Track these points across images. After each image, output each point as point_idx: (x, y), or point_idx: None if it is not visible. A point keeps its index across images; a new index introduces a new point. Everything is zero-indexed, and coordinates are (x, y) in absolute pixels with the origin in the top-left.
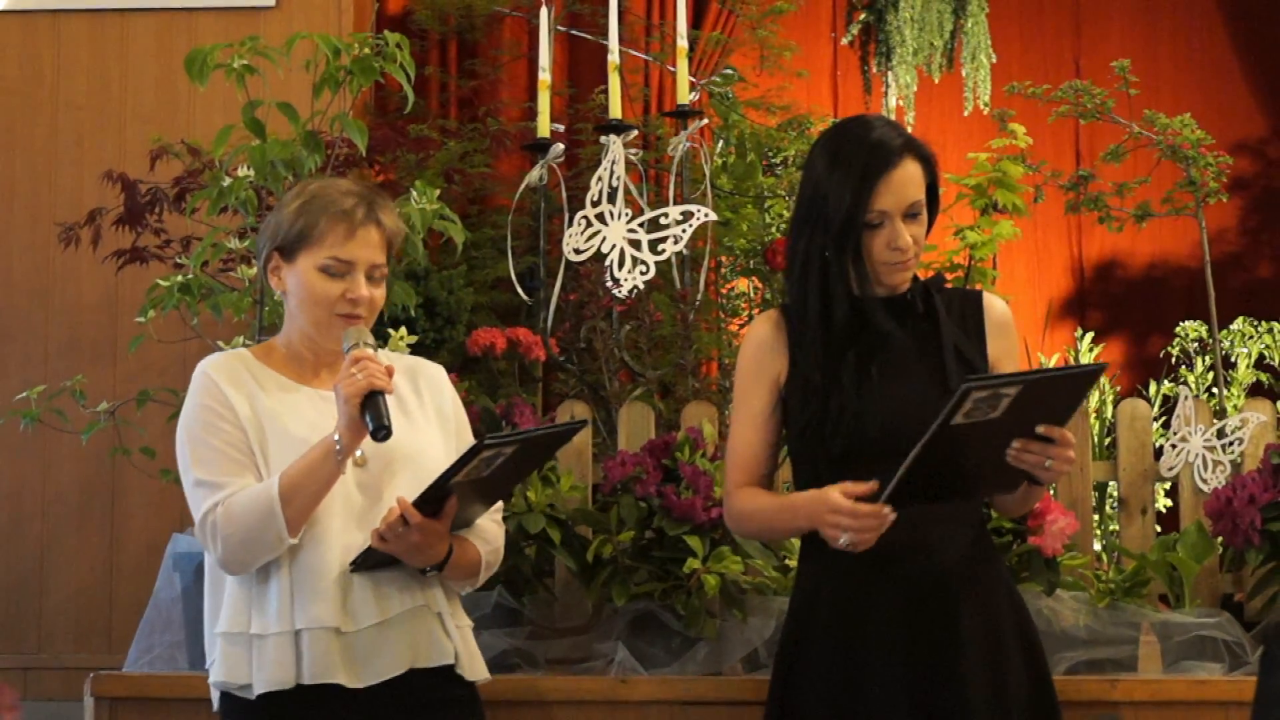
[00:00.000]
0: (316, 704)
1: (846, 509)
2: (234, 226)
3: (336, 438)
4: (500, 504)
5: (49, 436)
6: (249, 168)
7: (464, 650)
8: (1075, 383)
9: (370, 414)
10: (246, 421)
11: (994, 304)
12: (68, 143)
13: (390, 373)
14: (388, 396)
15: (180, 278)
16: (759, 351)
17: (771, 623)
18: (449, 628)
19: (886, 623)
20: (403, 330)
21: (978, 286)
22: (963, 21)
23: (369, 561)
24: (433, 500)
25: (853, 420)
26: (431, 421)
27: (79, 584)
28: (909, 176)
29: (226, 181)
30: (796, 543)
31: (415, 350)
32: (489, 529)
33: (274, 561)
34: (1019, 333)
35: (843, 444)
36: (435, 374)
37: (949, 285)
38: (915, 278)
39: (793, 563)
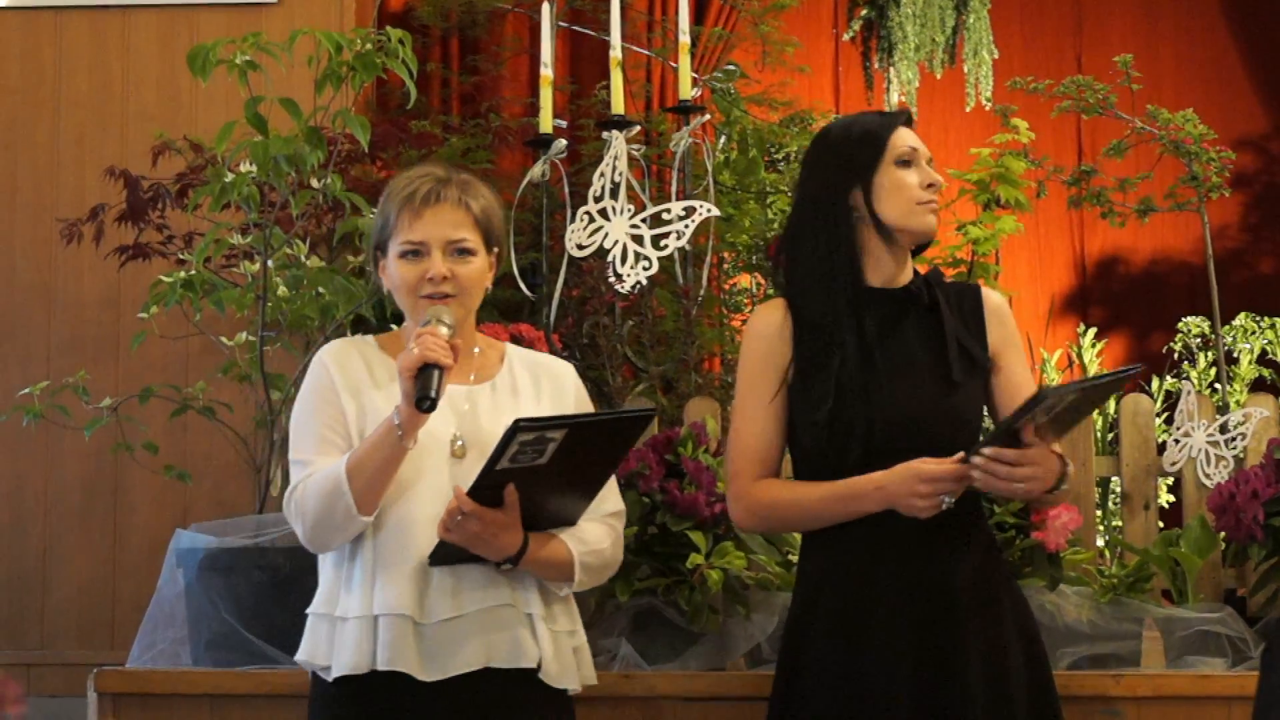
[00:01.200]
0: (391, 692)
1: (944, 473)
2: (236, 222)
3: (396, 413)
4: (619, 508)
5: (52, 433)
6: (251, 163)
7: (551, 655)
8: (1105, 389)
9: (419, 384)
10: (348, 406)
11: (991, 295)
12: (70, 140)
13: (455, 351)
14: (452, 372)
15: (183, 274)
16: (766, 340)
17: (775, 618)
18: (538, 630)
19: (889, 622)
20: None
21: (979, 281)
22: (964, 17)
23: (444, 555)
24: (487, 488)
25: (863, 417)
26: (545, 412)
27: (82, 580)
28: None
29: (229, 177)
30: (798, 538)
31: None
32: (591, 530)
33: (360, 546)
34: (1022, 328)
35: (857, 443)
36: (561, 371)
37: (948, 279)
38: (915, 271)
39: (796, 558)
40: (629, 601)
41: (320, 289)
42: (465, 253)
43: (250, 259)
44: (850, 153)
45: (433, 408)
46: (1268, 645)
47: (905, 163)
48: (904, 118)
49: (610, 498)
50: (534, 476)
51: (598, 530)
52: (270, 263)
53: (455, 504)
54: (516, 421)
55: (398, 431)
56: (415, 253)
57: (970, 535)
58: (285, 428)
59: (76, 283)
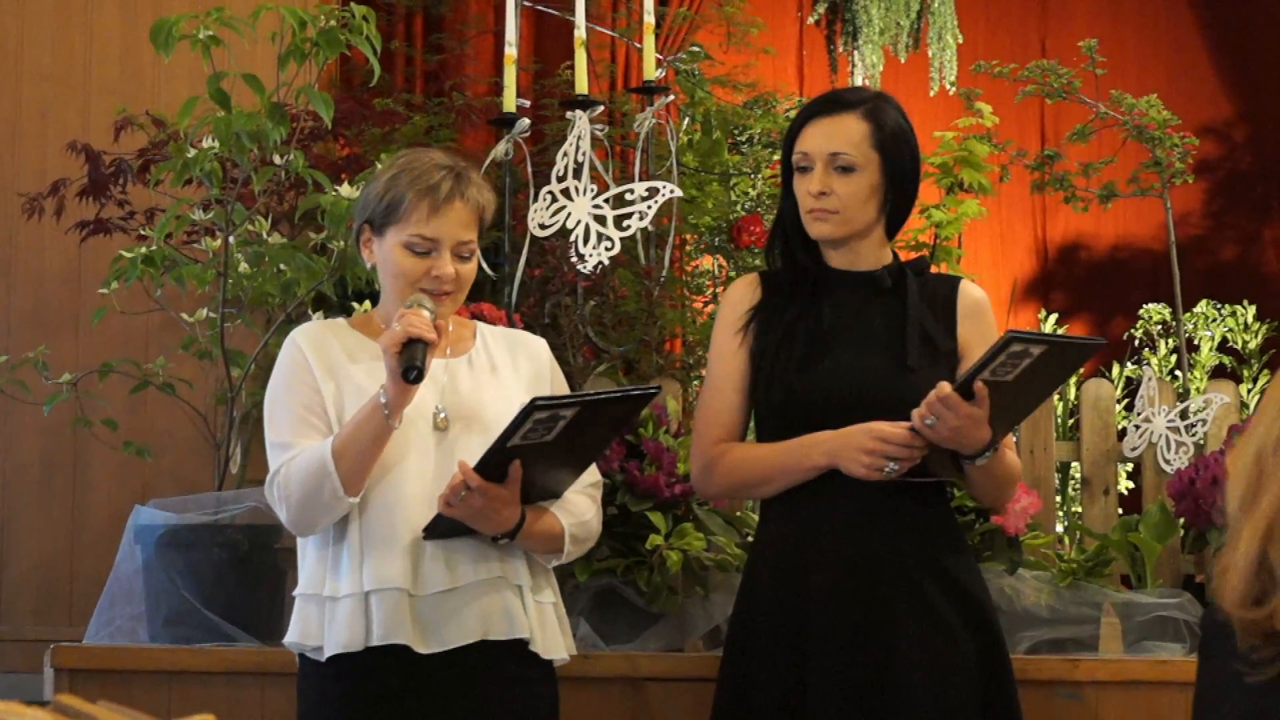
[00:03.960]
0: (386, 668)
1: (894, 435)
2: (198, 198)
3: (382, 391)
4: (597, 479)
5: (10, 408)
6: (214, 139)
7: (540, 627)
8: (1069, 355)
9: (404, 357)
10: (325, 387)
11: (968, 289)
12: (32, 114)
13: (440, 330)
14: (437, 349)
15: (144, 249)
16: (736, 312)
17: (733, 600)
18: (527, 602)
19: (825, 601)
20: (366, 304)
21: (943, 267)
22: (929, 2)
23: (440, 528)
24: (494, 464)
25: (813, 392)
26: (525, 392)
27: (40, 556)
28: (842, 127)
29: (191, 153)
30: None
31: None
32: (577, 502)
33: (347, 525)
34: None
35: (807, 415)
36: (536, 347)
37: (934, 270)
38: (895, 256)
39: None
40: (588, 581)
41: (281, 266)
42: (469, 253)
43: (212, 235)
44: (784, 147)
45: (420, 378)
46: (1202, 640)
47: (801, 169)
48: (813, 109)
49: (590, 469)
50: (537, 453)
51: (582, 502)
52: (232, 239)
53: (460, 479)
54: (533, 400)
55: (384, 410)
56: (426, 250)
57: (919, 517)
58: (245, 405)
59: (37, 257)
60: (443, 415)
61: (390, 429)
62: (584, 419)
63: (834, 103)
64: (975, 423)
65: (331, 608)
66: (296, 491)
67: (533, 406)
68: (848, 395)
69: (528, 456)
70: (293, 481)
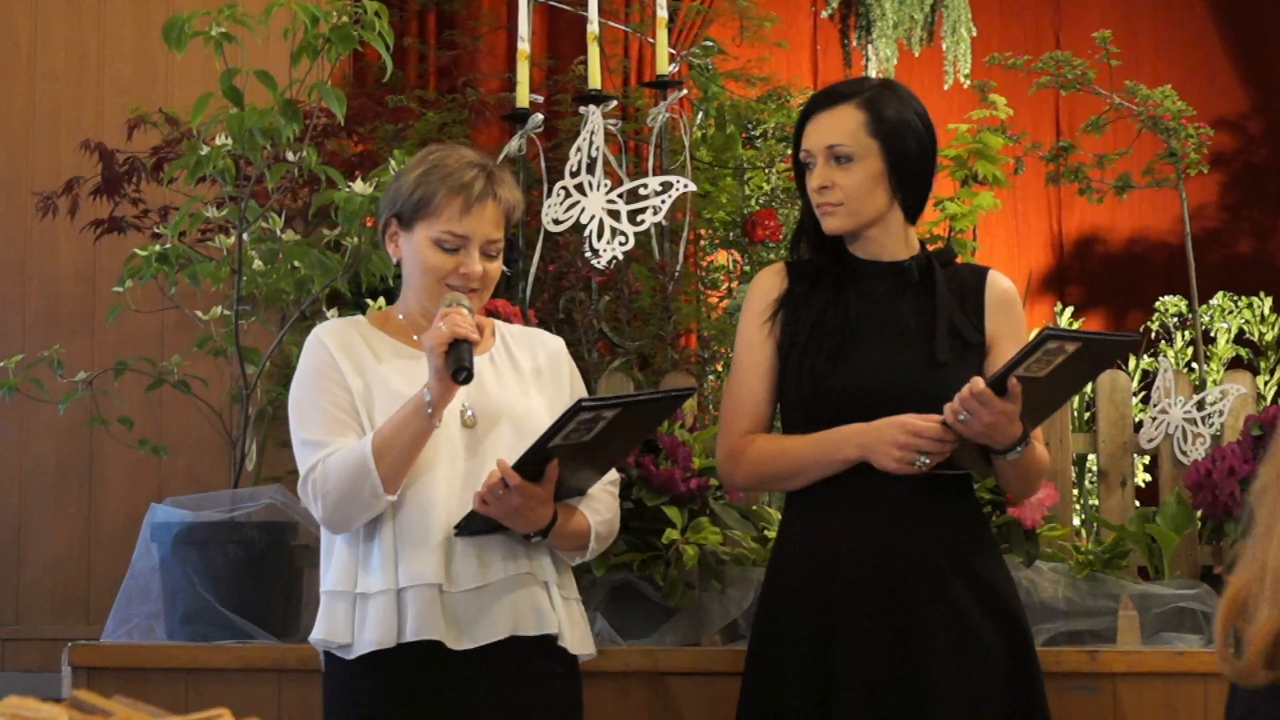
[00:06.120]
0: (417, 665)
1: (926, 429)
2: (212, 196)
3: (426, 390)
4: (615, 476)
5: (26, 407)
6: (227, 136)
7: (568, 622)
8: (1104, 350)
9: (452, 358)
10: (353, 384)
11: (996, 280)
12: (45, 113)
13: (481, 329)
14: (477, 349)
15: (158, 247)
16: (763, 302)
17: (750, 594)
18: (554, 598)
19: (849, 595)
20: (381, 300)
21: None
22: None
23: (473, 526)
24: (533, 463)
25: (841, 384)
26: (545, 390)
27: (56, 555)
28: (837, 119)
29: (204, 150)
30: (776, 513)
31: None
32: (602, 499)
33: (379, 522)
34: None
35: (834, 408)
36: (554, 345)
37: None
38: (923, 246)
39: (771, 534)
40: (604, 576)
41: (296, 263)
42: (496, 252)
43: (225, 233)
44: (792, 147)
45: (469, 379)
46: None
47: (807, 166)
48: (813, 105)
49: None
50: (573, 452)
51: (605, 499)
52: (246, 236)
53: (499, 477)
54: (579, 401)
55: (428, 409)
56: (455, 248)
57: (947, 514)
58: (261, 402)
59: (51, 256)
60: (470, 414)
61: (432, 427)
62: (622, 419)
63: (830, 96)
64: (1008, 418)
65: (362, 605)
66: (334, 489)
67: (579, 407)
68: (876, 390)
69: (564, 456)
70: (330, 479)
